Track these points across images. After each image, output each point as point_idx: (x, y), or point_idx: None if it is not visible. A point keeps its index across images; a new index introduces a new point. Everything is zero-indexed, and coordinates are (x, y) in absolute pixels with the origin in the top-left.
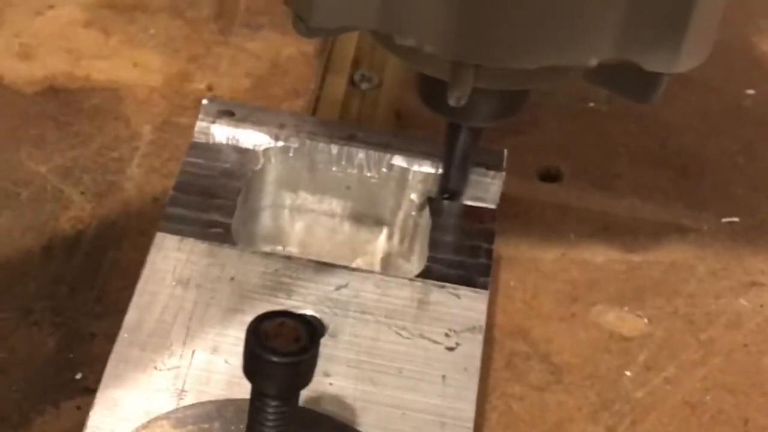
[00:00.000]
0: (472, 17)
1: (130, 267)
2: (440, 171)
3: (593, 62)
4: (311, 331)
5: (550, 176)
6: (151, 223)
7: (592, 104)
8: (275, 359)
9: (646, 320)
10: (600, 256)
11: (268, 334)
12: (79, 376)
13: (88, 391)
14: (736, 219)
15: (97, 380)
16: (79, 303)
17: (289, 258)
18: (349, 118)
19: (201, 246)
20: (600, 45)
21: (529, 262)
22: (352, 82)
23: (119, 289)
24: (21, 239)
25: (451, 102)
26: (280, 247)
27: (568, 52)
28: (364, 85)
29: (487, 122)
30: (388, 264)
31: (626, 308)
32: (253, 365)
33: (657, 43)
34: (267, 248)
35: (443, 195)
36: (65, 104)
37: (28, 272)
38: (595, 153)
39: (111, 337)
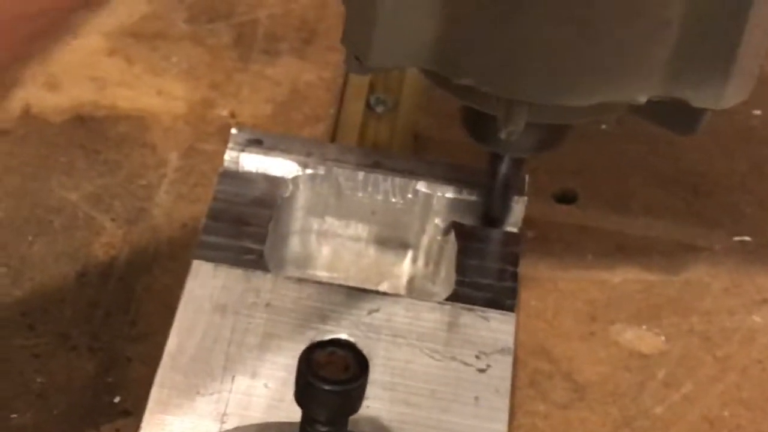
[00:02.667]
0: (530, 59)
1: (162, 292)
2: (464, 196)
3: (642, 99)
4: (360, 360)
5: (565, 198)
6: (181, 249)
7: (603, 126)
8: (327, 387)
9: (663, 338)
10: (617, 275)
11: (319, 363)
12: (117, 399)
13: (127, 414)
14: (747, 237)
15: (135, 404)
16: (114, 328)
17: (321, 283)
18: (368, 141)
19: (236, 273)
20: (649, 83)
21: (549, 282)
22: (368, 105)
23: (153, 313)
24: (56, 266)
25: (503, 136)
26: (308, 271)
27: (619, 89)
28: (379, 108)
29: (531, 153)
30: (413, 287)
31: (644, 326)
32: (305, 393)
33: (704, 80)
34: (295, 272)
35: (486, 222)
36: (92, 132)
37: (64, 298)
38: (608, 174)
39: (147, 361)
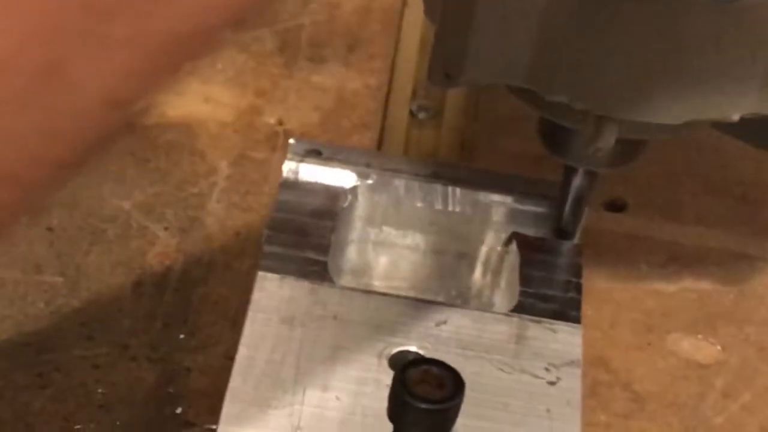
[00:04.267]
0: (625, 78)
1: (219, 302)
2: (523, 206)
3: (736, 117)
4: (456, 378)
5: (615, 206)
6: (235, 258)
7: None
8: (423, 406)
9: (719, 347)
10: (671, 285)
11: (413, 381)
12: (179, 410)
13: (190, 425)
14: None
15: (197, 414)
16: (172, 338)
17: (387, 295)
18: (413, 149)
19: (302, 284)
20: (744, 100)
21: (605, 293)
22: (410, 113)
23: (210, 323)
24: (111, 276)
25: (590, 152)
26: (365, 281)
27: (713, 108)
28: (421, 115)
29: (607, 168)
30: (472, 297)
31: (700, 336)
32: (400, 411)
33: None
34: (352, 281)
35: (556, 235)
36: (142, 140)
37: (121, 308)
38: (656, 182)
39: (207, 372)
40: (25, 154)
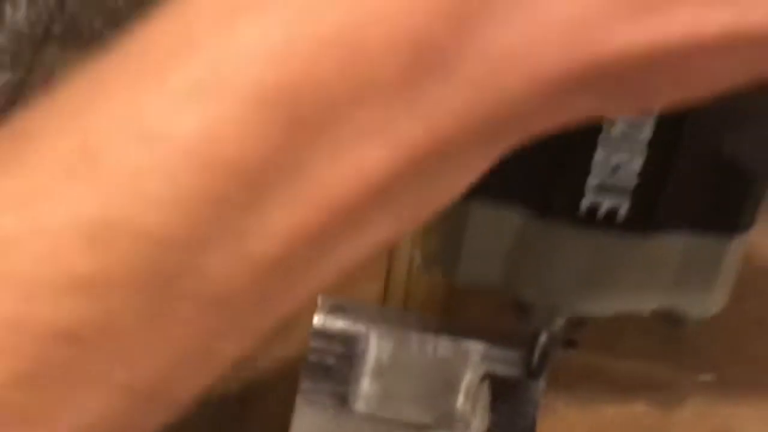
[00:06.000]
0: (574, 283)
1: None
2: (497, 351)
3: (648, 311)
4: None
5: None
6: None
7: None
8: None
9: None
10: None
11: None
12: None
13: None
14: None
15: None
16: None
17: (392, 420)
18: (412, 298)
19: (328, 413)
20: (654, 300)
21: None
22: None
23: None
24: None
25: (543, 339)
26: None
27: (634, 304)
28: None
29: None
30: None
31: None
32: None
33: (695, 296)
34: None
35: (527, 375)
36: None
37: None
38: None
39: None
40: None
